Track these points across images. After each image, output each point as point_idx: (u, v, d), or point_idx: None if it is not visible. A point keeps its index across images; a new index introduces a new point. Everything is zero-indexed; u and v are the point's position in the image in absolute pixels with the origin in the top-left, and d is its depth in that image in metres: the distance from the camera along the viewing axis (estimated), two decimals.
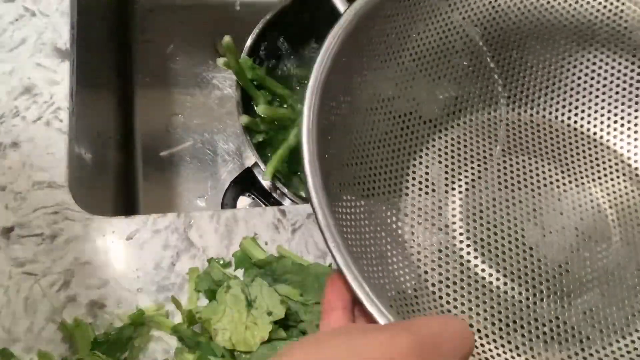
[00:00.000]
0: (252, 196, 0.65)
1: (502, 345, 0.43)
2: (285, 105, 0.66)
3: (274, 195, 0.63)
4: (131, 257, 0.52)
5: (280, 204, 0.62)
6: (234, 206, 0.64)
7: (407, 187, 0.47)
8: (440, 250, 0.46)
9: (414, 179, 0.47)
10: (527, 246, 0.46)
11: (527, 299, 0.44)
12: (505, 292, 0.45)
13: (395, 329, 0.29)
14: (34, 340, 0.48)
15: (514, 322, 0.43)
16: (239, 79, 0.62)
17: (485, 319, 0.43)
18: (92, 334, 0.48)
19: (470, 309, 0.44)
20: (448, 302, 0.43)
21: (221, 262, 0.52)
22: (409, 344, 0.28)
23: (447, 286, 0.44)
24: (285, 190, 0.61)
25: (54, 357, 0.48)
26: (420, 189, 0.47)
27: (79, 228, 0.52)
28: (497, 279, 0.45)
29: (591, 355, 0.42)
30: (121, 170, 0.73)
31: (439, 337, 0.30)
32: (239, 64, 0.61)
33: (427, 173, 0.48)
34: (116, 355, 0.48)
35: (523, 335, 0.43)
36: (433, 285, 0.44)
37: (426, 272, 0.45)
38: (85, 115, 0.61)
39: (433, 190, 0.48)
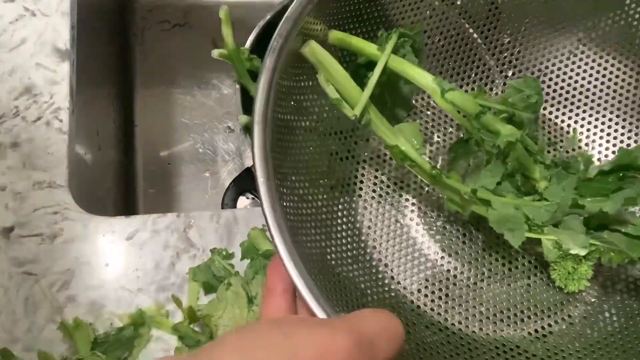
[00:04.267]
0: (252, 196, 0.65)
1: (439, 322, 0.45)
2: None
3: None
4: (131, 257, 0.52)
5: None
6: (234, 206, 0.64)
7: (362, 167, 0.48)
8: (390, 227, 0.47)
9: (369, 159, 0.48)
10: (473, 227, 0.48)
11: (469, 279, 0.46)
12: (449, 271, 0.47)
13: (335, 326, 0.29)
14: (34, 340, 0.48)
15: (453, 299, 0.45)
16: (235, 63, 0.61)
17: (426, 295, 0.46)
18: (92, 334, 0.48)
19: (413, 284, 0.46)
20: (393, 278, 0.45)
21: (224, 253, 0.52)
22: (347, 344, 0.28)
23: (393, 261, 0.46)
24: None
25: (54, 357, 0.48)
26: (372, 165, 0.49)
27: (79, 228, 0.52)
28: (442, 257, 0.47)
29: (523, 334, 0.45)
30: (121, 170, 0.73)
31: (376, 336, 0.30)
32: (235, 43, 0.60)
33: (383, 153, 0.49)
34: (116, 355, 0.48)
35: (460, 313, 0.45)
36: (380, 260, 0.46)
37: (375, 247, 0.46)
38: (85, 115, 0.61)
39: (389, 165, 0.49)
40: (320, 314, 0.34)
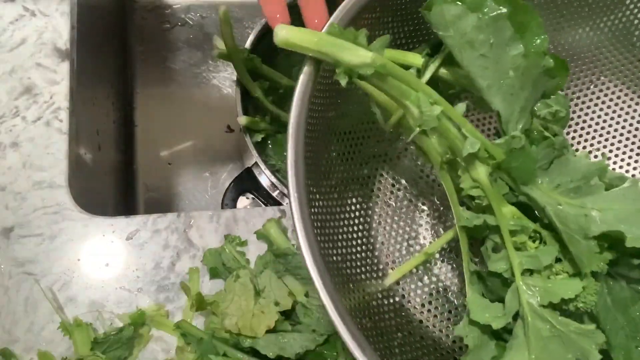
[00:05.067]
0: (252, 196, 0.65)
1: (448, 344, 0.44)
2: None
3: (274, 195, 0.63)
4: (131, 257, 0.52)
5: (280, 204, 0.62)
6: (234, 206, 0.64)
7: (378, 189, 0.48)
8: (403, 244, 0.47)
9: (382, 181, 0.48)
10: None
11: None
12: (461, 290, 0.46)
13: None
14: (34, 340, 0.48)
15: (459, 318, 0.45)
16: (235, 63, 0.61)
17: (435, 316, 0.45)
18: (92, 334, 0.48)
19: (430, 310, 0.45)
20: (404, 296, 0.45)
21: (237, 241, 0.52)
22: None
23: (404, 280, 0.45)
24: (286, 191, 0.61)
25: (54, 357, 0.48)
26: (391, 191, 0.48)
27: (79, 228, 0.52)
28: (452, 279, 0.47)
29: None
30: (121, 170, 0.73)
31: None
32: (234, 43, 0.60)
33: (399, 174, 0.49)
34: (116, 355, 0.48)
35: None
36: (398, 284, 0.45)
37: (387, 264, 0.46)
38: (85, 115, 0.60)
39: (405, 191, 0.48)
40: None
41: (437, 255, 0.46)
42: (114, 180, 0.71)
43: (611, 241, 0.38)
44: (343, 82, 0.36)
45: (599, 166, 0.42)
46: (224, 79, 0.79)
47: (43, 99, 0.56)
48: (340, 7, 0.38)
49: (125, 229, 0.53)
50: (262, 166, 0.61)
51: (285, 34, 0.35)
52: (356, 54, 0.35)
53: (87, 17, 0.63)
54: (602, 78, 0.50)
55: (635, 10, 0.46)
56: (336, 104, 0.42)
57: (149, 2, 0.80)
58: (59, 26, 0.59)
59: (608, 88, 0.50)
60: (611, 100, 0.51)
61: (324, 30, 0.37)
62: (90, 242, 0.52)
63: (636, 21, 0.47)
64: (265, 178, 0.62)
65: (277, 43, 0.35)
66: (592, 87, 0.51)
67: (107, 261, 0.51)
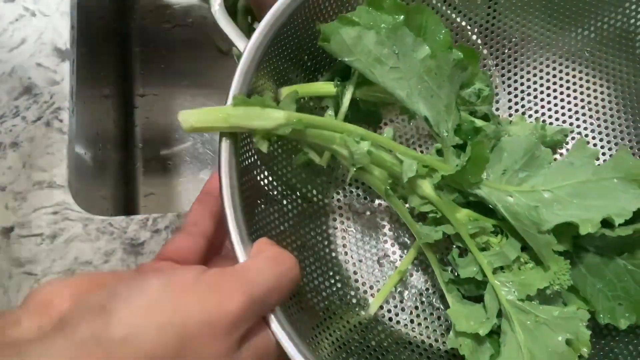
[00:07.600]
0: None
1: (431, 345, 0.44)
2: None
3: None
4: (131, 257, 0.52)
5: None
6: None
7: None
8: (375, 268, 0.46)
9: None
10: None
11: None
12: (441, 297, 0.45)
13: (227, 290, 0.28)
14: None
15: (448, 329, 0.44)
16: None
17: (434, 330, 0.44)
18: None
19: (420, 324, 0.45)
20: (397, 322, 0.44)
21: None
22: (236, 308, 0.28)
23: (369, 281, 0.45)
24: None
25: None
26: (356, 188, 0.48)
27: (79, 228, 0.52)
28: (427, 289, 0.46)
29: None
30: (121, 170, 0.73)
31: (268, 292, 0.30)
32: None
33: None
34: None
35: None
36: (356, 281, 0.45)
37: (365, 292, 0.45)
38: (85, 115, 0.61)
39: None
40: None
41: (411, 267, 0.46)
42: (114, 180, 0.71)
43: (567, 229, 0.38)
44: (264, 148, 0.35)
45: (536, 131, 0.42)
46: (224, 78, 0.79)
47: (43, 99, 0.56)
48: (236, 76, 0.37)
49: (125, 228, 0.53)
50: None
51: (191, 119, 0.34)
52: (268, 118, 0.34)
53: (87, 17, 0.63)
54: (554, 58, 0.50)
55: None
56: (264, 157, 0.41)
57: (149, 2, 0.80)
58: (59, 26, 0.59)
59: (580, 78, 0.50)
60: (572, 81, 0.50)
61: (228, 104, 0.35)
62: (90, 242, 0.52)
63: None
64: None
65: (186, 131, 0.34)
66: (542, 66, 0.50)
67: (107, 261, 0.51)
